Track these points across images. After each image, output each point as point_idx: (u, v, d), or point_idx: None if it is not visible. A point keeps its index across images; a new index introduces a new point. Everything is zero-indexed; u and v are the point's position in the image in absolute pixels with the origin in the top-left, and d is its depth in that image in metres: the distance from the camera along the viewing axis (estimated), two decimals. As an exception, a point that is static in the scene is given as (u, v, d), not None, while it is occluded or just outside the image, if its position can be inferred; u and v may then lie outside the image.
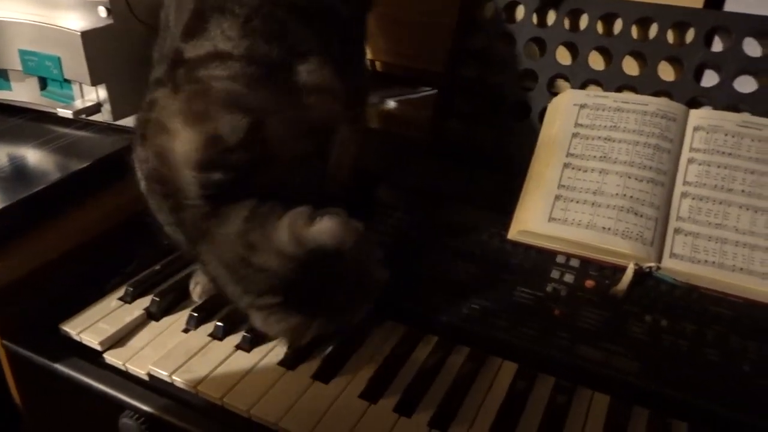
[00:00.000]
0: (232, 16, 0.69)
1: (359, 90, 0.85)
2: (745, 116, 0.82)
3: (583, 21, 0.91)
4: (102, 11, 0.85)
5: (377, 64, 1.13)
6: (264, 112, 0.66)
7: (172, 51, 0.70)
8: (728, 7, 0.88)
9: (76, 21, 0.85)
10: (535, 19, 0.94)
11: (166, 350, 0.72)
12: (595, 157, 0.83)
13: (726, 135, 0.80)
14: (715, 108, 0.85)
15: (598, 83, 0.91)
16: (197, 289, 0.79)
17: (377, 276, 0.68)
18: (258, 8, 0.70)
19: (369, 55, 1.11)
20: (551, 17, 0.92)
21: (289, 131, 0.68)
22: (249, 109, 0.65)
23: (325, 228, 0.59)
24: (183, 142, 0.64)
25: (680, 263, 0.75)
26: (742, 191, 0.77)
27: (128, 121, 0.94)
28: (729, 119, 0.82)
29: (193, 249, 0.68)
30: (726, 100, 0.85)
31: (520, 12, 0.94)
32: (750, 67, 0.84)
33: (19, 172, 0.85)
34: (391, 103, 1.13)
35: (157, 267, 0.84)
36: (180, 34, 0.70)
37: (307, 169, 0.72)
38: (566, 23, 0.92)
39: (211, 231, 0.64)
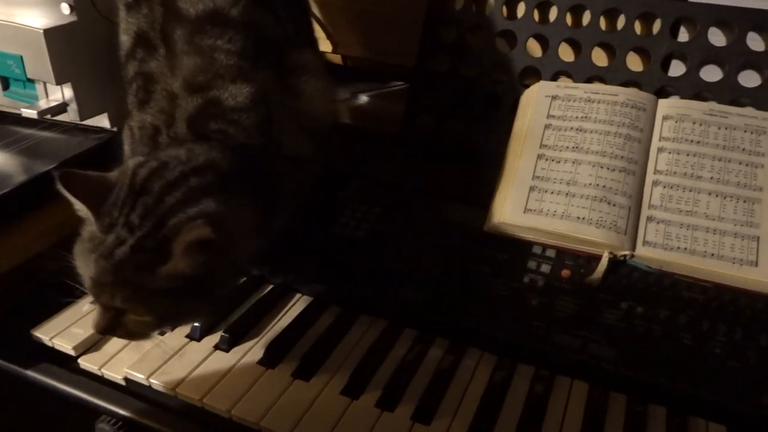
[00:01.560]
0: None
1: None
2: (712, 105, 0.83)
3: (553, 13, 0.92)
4: (65, 8, 0.83)
5: (347, 58, 1.12)
6: (267, 90, 0.69)
7: None
8: (693, -3, 0.90)
9: (38, 18, 0.83)
10: (504, 11, 0.94)
11: (142, 353, 0.71)
12: (567, 147, 0.84)
13: (694, 123, 0.82)
14: (682, 97, 0.86)
15: (568, 74, 0.92)
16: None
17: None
18: None
19: (339, 51, 1.11)
20: (521, 9, 0.93)
21: (286, 113, 0.69)
22: (253, 82, 0.69)
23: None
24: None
25: (653, 250, 0.76)
26: (711, 178, 0.79)
27: (95, 121, 0.92)
28: (696, 108, 0.83)
29: None
30: (692, 89, 0.86)
31: (490, 4, 0.95)
32: (715, 56, 0.86)
33: (-17, 175, 0.83)
34: (363, 98, 1.13)
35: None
36: None
37: (301, 166, 0.73)
38: (536, 15, 0.93)
39: None
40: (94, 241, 0.61)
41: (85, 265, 0.61)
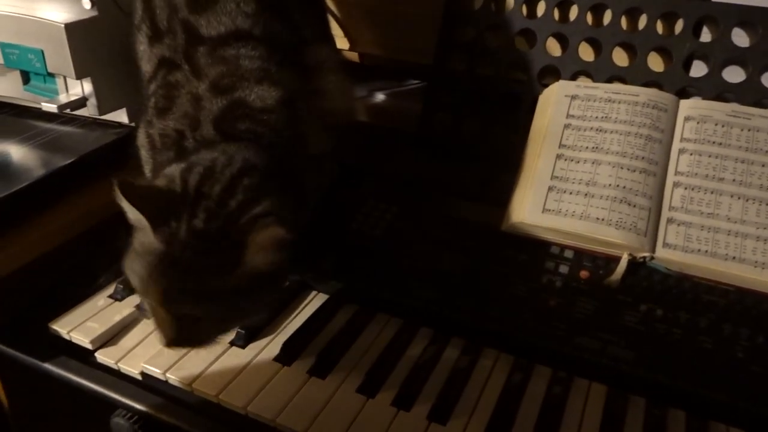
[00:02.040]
0: None
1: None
2: (734, 106, 0.82)
3: (573, 12, 0.91)
4: (86, 3, 0.84)
5: (364, 56, 1.12)
6: (292, 92, 0.70)
7: (180, 25, 0.70)
8: (716, -3, 0.89)
9: (59, 13, 0.84)
10: (524, 10, 0.93)
11: (158, 348, 0.70)
12: (587, 147, 0.83)
13: (716, 125, 0.81)
14: (704, 98, 0.85)
15: (588, 74, 0.91)
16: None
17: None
18: None
19: (356, 48, 1.11)
20: (541, 8, 0.92)
21: (311, 113, 0.69)
22: (279, 85, 0.69)
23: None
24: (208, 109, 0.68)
25: (673, 253, 0.75)
26: (733, 180, 0.77)
27: (115, 116, 0.92)
28: (718, 109, 0.82)
29: None
30: (714, 90, 0.85)
31: (509, 3, 0.94)
32: (738, 57, 0.84)
33: (2, 168, 0.84)
34: (380, 96, 1.13)
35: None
36: (184, 5, 0.70)
37: (322, 162, 0.73)
38: (556, 14, 0.92)
39: None
40: (155, 253, 0.59)
41: (147, 278, 0.60)
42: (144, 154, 0.75)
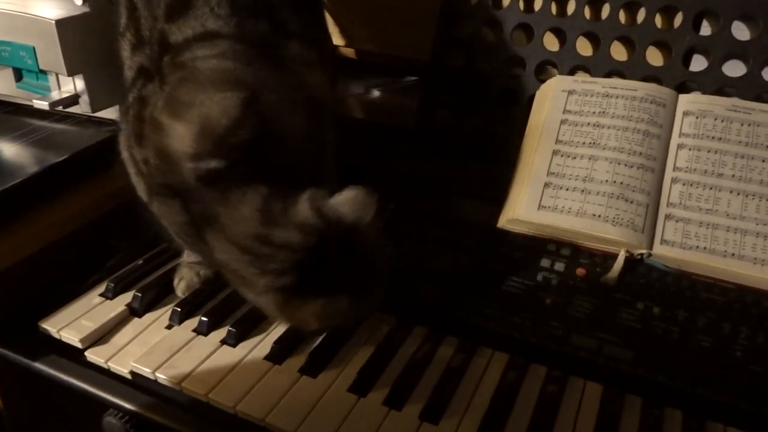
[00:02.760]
0: None
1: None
2: (735, 100, 0.81)
3: (571, 6, 0.90)
4: (77, -1, 0.83)
5: (361, 53, 1.11)
6: (256, 88, 0.64)
7: (157, 34, 0.68)
8: (716, -10, 0.88)
9: (51, 9, 0.83)
10: (522, 5, 0.92)
11: (149, 347, 0.70)
12: (584, 143, 0.82)
13: (715, 120, 0.80)
14: (704, 93, 0.84)
15: (586, 69, 0.90)
16: (181, 285, 0.78)
17: (387, 260, 0.67)
18: None
19: (352, 45, 1.10)
20: (538, 3, 0.91)
21: (284, 105, 0.66)
22: (240, 85, 0.63)
23: (346, 198, 0.60)
24: (176, 138, 0.61)
25: (671, 249, 0.74)
26: (733, 176, 0.76)
27: (107, 113, 0.91)
28: (718, 104, 0.81)
29: (198, 240, 0.65)
30: (714, 84, 0.84)
31: (506, -2, 0.93)
32: (738, 51, 0.83)
33: (-5, 166, 0.83)
34: (376, 92, 1.12)
35: (140, 261, 0.82)
36: (163, 15, 0.68)
37: (309, 147, 0.71)
38: (553, 9, 0.91)
39: (222, 215, 0.62)
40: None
41: None
42: (133, 176, 0.70)
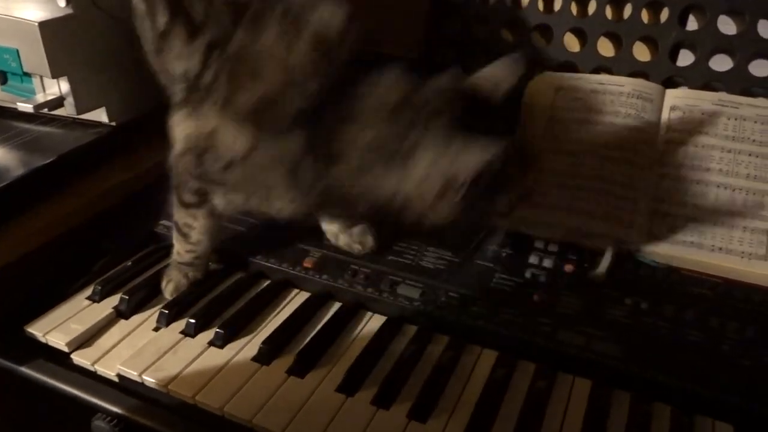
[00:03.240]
0: None
1: None
2: (721, 95, 0.81)
3: (558, 2, 0.90)
4: (61, 1, 0.82)
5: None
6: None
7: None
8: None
9: (34, 11, 0.82)
10: (510, 1, 0.92)
11: (136, 349, 0.69)
12: (571, 140, 0.81)
13: (702, 114, 0.80)
14: (691, 87, 0.84)
15: (573, 65, 0.89)
16: (170, 286, 0.77)
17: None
18: None
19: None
20: (531, -1, 0.91)
21: None
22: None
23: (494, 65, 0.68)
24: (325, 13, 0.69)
25: (660, 245, 0.74)
26: (720, 170, 0.76)
27: (93, 115, 0.91)
28: (705, 98, 0.81)
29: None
30: (701, 78, 0.84)
31: (494, -5, 0.93)
32: (725, 45, 0.83)
33: (-20, 170, 0.82)
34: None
35: (128, 263, 0.81)
36: None
37: None
38: (540, 5, 0.91)
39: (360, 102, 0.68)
40: None
41: None
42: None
